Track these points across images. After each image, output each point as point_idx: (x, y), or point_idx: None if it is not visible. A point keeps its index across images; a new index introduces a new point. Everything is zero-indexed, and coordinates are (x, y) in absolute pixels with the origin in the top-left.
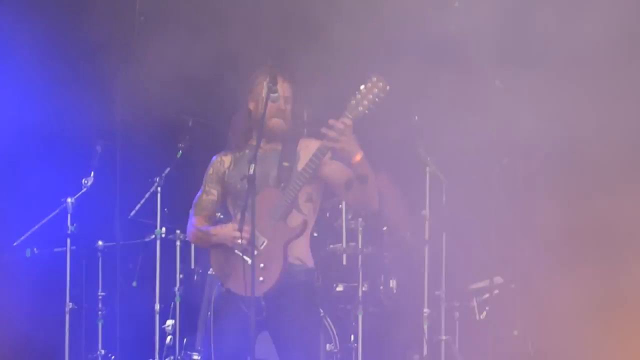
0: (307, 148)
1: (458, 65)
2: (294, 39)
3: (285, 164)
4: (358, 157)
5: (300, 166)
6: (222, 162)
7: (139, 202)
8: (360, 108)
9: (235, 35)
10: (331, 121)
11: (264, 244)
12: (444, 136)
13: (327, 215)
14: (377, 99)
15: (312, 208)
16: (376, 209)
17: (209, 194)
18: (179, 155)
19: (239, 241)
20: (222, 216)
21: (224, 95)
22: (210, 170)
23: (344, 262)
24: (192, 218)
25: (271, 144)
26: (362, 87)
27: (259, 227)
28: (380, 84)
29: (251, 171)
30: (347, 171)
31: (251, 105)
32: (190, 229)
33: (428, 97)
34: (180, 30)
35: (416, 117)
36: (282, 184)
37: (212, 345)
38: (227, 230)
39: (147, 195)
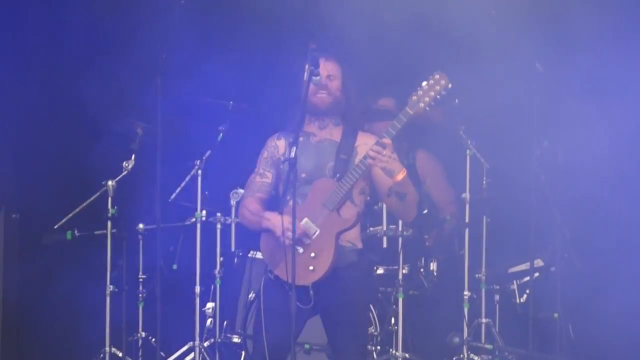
0: (366, 145)
1: (499, 49)
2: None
3: (343, 156)
4: (399, 177)
5: (356, 161)
6: (277, 146)
7: (179, 185)
8: (421, 104)
9: (280, 19)
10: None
11: (316, 233)
12: (485, 119)
13: (368, 198)
14: (438, 96)
15: (364, 200)
16: (411, 220)
17: (263, 176)
18: (219, 139)
19: (286, 241)
20: None
21: (265, 78)
22: (265, 154)
23: (384, 245)
24: (244, 200)
25: (326, 132)
26: (424, 83)
27: (312, 216)
28: (443, 81)
29: (292, 154)
30: (390, 180)
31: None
32: (241, 209)
33: (468, 80)
34: (222, 12)
35: (457, 101)
36: (338, 175)
37: (260, 330)
38: (279, 221)
39: (187, 179)
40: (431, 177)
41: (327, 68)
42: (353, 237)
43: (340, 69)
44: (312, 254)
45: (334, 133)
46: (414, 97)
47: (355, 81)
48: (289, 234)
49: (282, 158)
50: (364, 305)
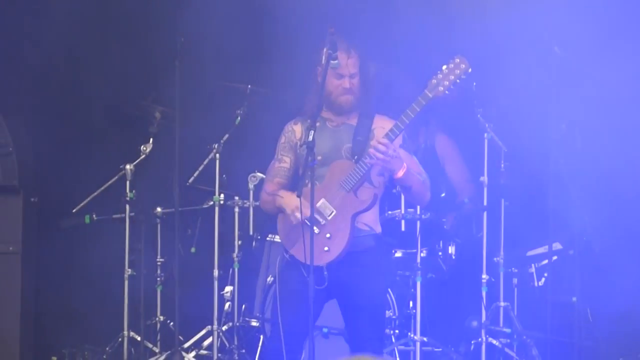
0: (383, 129)
1: (515, 32)
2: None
3: (360, 138)
4: (400, 173)
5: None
6: (294, 131)
7: (197, 168)
8: (441, 88)
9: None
10: (373, 142)
11: (332, 214)
12: (503, 102)
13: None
14: (458, 80)
15: (383, 182)
16: (424, 204)
17: (282, 161)
18: (237, 122)
19: (297, 215)
20: None
21: (282, 62)
22: (282, 139)
23: (403, 228)
24: (264, 185)
25: (343, 118)
26: (444, 67)
27: (328, 197)
28: (463, 65)
29: (310, 138)
30: (409, 165)
31: (319, 78)
32: (262, 196)
33: (486, 64)
34: None
35: (474, 84)
36: (355, 157)
37: (276, 310)
38: (292, 200)
39: (205, 162)
40: (450, 160)
41: (350, 66)
42: (371, 221)
43: (359, 59)
44: (328, 235)
45: (351, 117)
46: (434, 81)
47: (373, 65)
48: (298, 213)
49: (299, 142)
50: (381, 290)
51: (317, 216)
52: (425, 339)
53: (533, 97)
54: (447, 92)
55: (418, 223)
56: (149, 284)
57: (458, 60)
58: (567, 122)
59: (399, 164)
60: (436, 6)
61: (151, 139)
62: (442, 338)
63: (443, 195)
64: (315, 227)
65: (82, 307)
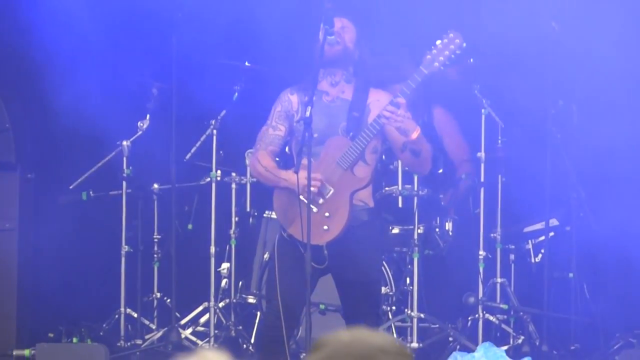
0: (379, 102)
1: (514, 8)
2: None
3: (355, 114)
4: (414, 135)
5: (370, 119)
6: (290, 101)
7: (194, 144)
8: (436, 63)
9: None
10: (383, 110)
11: (330, 192)
12: (499, 78)
13: (383, 157)
14: (452, 55)
15: (376, 159)
16: (426, 173)
17: (276, 129)
18: (234, 98)
19: (312, 189)
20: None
21: (280, 36)
22: (278, 107)
23: (400, 205)
24: (256, 152)
25: (337, 89)
26: (438, 42)
27: (325, 175)
28: (457, 40)
29: (307, 114)
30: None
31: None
32: (252, 161)
33: (482, 40)
34: None
35: (471, 60)
36: (351, 134)
37: (275, 289)
38: (295, 179)
39: (202, 138)
40: (448, 134)
41: (341, 21)
42: (364, 196)
43: (353, 25)
44: (327, 214)
45: (346, 90)
46: (428, 56)
47: (368, 38)
48: (313, 187)
49: (296, 116)
50: (375, 265)
51: (315, 195)
52: (422, 315)
53: (530, 73)
54: (442, 67)
55: (415, 199)
56: (146, 261)
57: (452, 35)
58: (564, 97)
59: (413, 124)
60: None
61: (148, 115)
62: (439, 314)
63: (440, 171)
64: (313, 206)
65: (79, 284)
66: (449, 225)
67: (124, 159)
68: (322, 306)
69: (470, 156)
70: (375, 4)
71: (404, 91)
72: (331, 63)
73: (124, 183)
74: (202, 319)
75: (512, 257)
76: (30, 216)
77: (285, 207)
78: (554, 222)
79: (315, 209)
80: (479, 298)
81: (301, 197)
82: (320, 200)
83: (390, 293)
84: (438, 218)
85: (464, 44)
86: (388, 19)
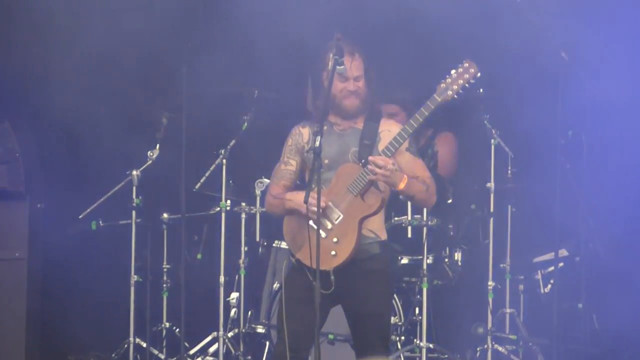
0: (390, 132)
1: (523, 37)
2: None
3: (367, 142)
4: (401, 186)
5: (380, 147)
6: (301, 134)
7: (204, 174)
8: (450, 92)
9: (302, 12)
10: (371, 158)
11: (340, 218)
12: (509, 108)
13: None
14: (467, 85)
15: (389, 187)
16: (431, 207)
17: (288, 164)
18: (244, 127)
19: (313, 208)
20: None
21: (289, 66)
22: (289, 141)
23: (409, 235)
24: (269, 188)
25: (350, 122)
26: (453, 71)
27: (335, 201)
28: (472, 70)
29: (317, 144)
30: (413, 169)
31: (325, 83)
32: (267, 198)
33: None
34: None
35: (481, 90)
36: (363, 161)
37: (281, 316)
38: (301, 197)
39: (212, 168)
40: (447, 158)
41: (354, 68)
42: (376, 227)
43: (363, 62)
44: (335, 239)
45: (357, 121)
46: (443, 85)
47: (377, 69)
48: (312, 208)
49: (306, 146)
50: (386, 297)
51: (322, 219)
52: (431, 345)
53: (540, 103)
54: (455, 96)
55: (424, 229)
56: (155, 290)
57: (467, 64)
58: (574, 128)
59: (399, 177)
60: (445, 12)
61: (158, 145)
62: (448, 345)
63: (450, 201)
64: (322, 231)
65: (88, 313)
66: (458, 256)
67: (134, 188)
68: (331, 336)
69: (453, 174)
70: (387, 35)
71: (416, 119)
72: (350, 116)
73: (134, 213)
74: (211, 349)
75: (521, 287)
76: (40, 245)
77: (294, 233)
78: (563, 252)
79: (324, 234)
80: (488, 328)
81: (310, 222)
82: (329, 226)
83: (400, 323)
84: (447, 248)
85: (479, 74)
86: (400, 50)
